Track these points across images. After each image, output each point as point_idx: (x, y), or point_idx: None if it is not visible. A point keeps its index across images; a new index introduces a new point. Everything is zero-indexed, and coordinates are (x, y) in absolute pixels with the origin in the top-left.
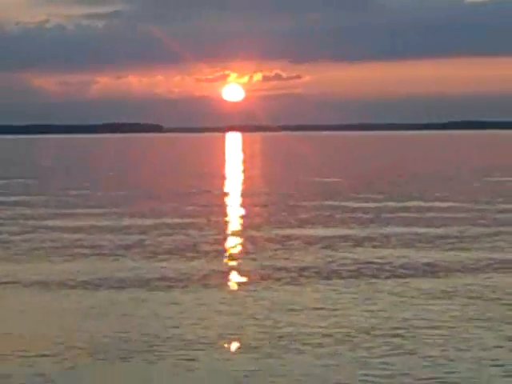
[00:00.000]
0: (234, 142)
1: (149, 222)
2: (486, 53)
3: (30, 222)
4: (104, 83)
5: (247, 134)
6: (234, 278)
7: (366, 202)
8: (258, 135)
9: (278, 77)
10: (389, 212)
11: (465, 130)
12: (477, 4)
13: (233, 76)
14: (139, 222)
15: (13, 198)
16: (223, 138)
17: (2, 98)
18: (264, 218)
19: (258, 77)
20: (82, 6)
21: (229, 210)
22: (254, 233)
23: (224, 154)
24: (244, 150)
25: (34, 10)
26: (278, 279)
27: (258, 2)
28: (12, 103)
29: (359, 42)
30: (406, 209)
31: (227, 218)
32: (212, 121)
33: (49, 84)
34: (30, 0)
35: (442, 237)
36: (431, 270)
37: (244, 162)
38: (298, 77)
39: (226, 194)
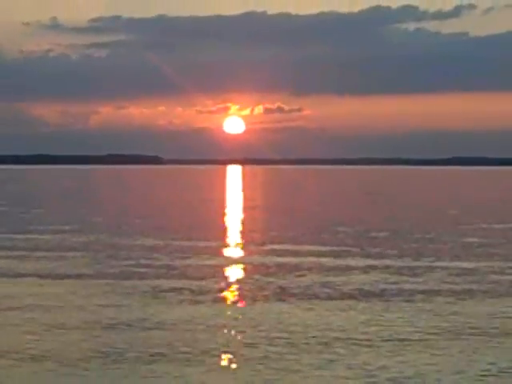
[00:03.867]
0: (234, 175)
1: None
2: (496, 88)
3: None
4: (105, 114)
5: (248, 166)
6: None
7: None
8: (258, 168)
9: (279, 109)
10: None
11: (469, 165)
12: (484, 38)
13: (234, 108)
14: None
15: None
16: (224, 170)
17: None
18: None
19: (259, 109)
20: (86, 35)
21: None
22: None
23: (225, 188)
24: (245, 184)
25: (39, 39)
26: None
27: (261, 34)
28: (12, 133)
29: (362, 75)
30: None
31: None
32: (212, 153)
33: (50, 114)
34: (35, 28)
35: None
36: None
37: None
38: (300, 110)
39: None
